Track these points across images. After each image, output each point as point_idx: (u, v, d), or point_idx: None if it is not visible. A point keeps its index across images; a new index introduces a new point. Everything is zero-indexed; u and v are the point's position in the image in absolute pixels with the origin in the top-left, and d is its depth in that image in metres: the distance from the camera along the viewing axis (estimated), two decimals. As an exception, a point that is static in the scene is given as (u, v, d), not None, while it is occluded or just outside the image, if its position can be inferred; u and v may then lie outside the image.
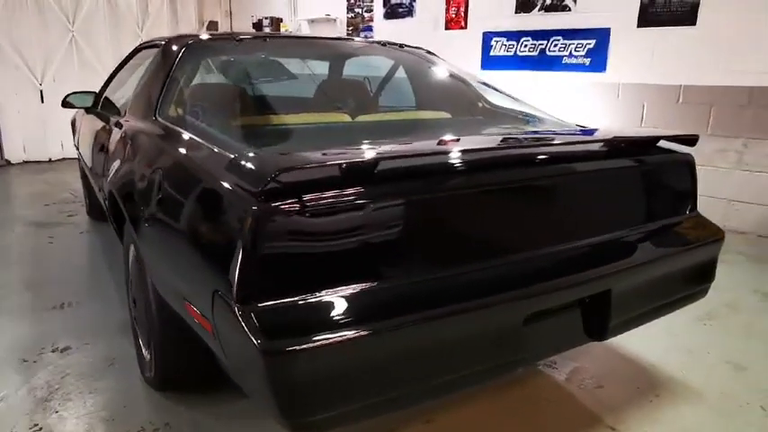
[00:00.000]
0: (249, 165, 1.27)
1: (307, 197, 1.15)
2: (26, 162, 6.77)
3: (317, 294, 1.18)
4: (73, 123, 4.24)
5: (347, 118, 2.29)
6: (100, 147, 2.65)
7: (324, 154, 1.38)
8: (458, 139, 1.84)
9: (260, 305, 1.13)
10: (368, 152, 1.40)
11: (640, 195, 1.82)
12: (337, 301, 1.19)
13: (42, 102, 6.66)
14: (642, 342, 2.41)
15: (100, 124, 2.83)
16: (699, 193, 1.97)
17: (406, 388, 1.27)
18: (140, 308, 1.96)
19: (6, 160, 6.64)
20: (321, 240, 1.19)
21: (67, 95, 3.23)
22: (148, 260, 1.72)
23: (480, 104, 2.65)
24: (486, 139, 1.87)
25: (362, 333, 1.15)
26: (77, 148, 3.81)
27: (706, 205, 3.72)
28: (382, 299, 1.22)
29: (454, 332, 1.29)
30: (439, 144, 1.72)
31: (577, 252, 1.56)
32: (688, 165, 1.92)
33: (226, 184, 1.27)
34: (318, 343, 1.11)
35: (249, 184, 1.18)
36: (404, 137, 2.14)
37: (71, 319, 2.64)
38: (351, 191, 1.20)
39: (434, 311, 1.24)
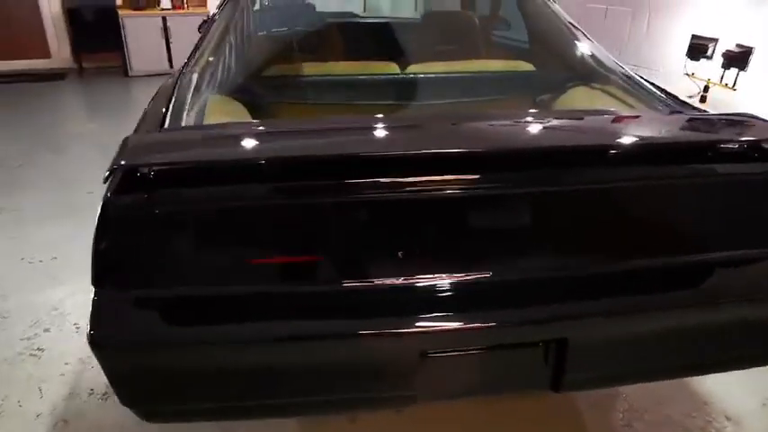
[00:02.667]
0: (120, 149, 1.14)
1: (153, 194, 1.08)
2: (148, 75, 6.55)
3: (156, 292, 1.16)
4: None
5: (394, 68, 2.04)
6: None
7: (201, 138, 1.30)
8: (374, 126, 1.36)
9: (105, 292, 1.14)
10: (238, 146, 1.22)
11: (667, 213, 1.29)
12: (172, 305, 1.16)
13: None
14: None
15: None
16: None
17: (248, 400, 1.22)
18: None
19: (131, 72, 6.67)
20: (163, 240, 1.13)
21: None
22: None
23: (580, 57, 2.06)
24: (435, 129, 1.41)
25: (181, 341, 1.13)
26: None
27: None
28: (214, 307, 1.16)
29: (306, 354, 1.18)
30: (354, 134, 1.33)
31: (524, 287, 1.23)
32: None
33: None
34: (142, 341, 1.13)
35: (108, 170, 1.10)
36: (408, 104, 1.90)
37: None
38: (199, 191, 1.10)
39: (261, 328, 1.15)
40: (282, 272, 1.17)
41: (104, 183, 1.09)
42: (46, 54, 7.05)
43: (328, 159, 1.15)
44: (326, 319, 1.17)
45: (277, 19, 2.59)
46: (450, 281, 1.19)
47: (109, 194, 1.09)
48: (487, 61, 2.18)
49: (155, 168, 1.09)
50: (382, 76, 2.02)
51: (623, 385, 1.49)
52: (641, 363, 1.34)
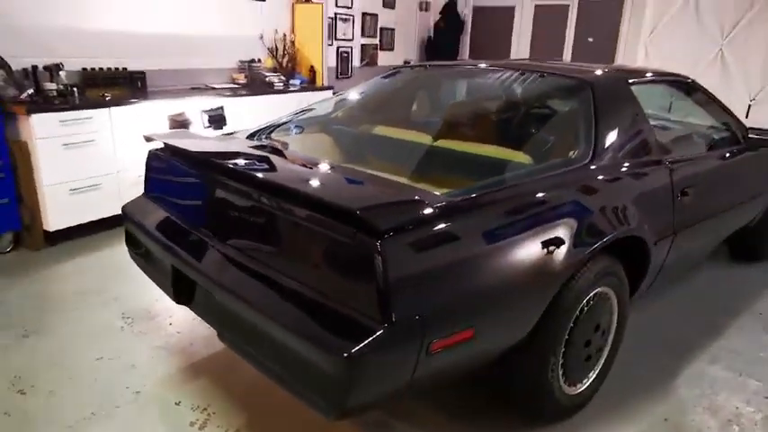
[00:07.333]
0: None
1: (162, 156, 2.25)
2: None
3: (153, 195, 2.32)
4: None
5: (426, 139, 2.44)
6: None
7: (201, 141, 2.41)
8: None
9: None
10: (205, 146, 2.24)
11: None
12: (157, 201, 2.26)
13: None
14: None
15: None
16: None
17: (144, 257, 2.26)
18: None
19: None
20: (161, 174, 2.27)
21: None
22: None
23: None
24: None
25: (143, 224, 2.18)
26: None
27: None
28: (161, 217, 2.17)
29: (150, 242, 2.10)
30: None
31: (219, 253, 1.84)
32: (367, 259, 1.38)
33: None
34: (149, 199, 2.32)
35: (146, 137, 2.28)
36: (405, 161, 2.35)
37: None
38: (175, 160, 2.16)
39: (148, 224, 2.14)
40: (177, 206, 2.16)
41: (146, 141, 2.24)
42: None
43: (209, 162, 2.00)
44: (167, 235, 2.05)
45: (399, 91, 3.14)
46: (201, 237, 1.93)
47: (149, 151, 2.29)
48: (488, 146, 2.27)
49: (165, 145, 2.23)
50: (405, 143, 2.48)
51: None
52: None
